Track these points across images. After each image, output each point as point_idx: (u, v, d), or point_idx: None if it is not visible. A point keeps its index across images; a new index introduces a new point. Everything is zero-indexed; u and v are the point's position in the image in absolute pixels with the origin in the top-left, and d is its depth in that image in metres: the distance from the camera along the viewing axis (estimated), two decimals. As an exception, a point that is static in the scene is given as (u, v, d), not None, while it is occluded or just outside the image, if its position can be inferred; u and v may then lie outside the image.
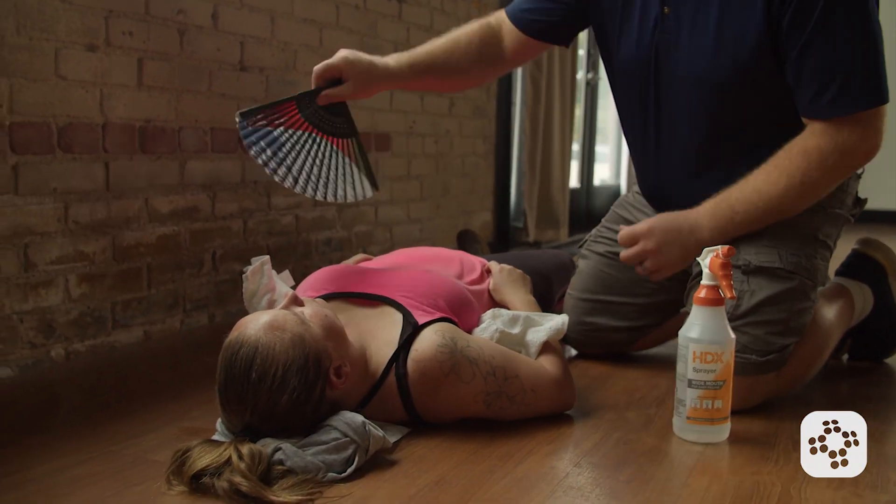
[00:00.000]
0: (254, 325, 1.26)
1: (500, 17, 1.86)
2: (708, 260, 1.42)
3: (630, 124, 1.80)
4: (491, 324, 1.56)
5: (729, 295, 1.38)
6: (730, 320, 1.51)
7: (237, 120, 1.59)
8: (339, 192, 1.65)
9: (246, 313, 1.48)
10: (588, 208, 4.93)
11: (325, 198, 1.64)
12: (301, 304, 1.35)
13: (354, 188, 1.67)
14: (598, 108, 5.11)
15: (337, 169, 1.65)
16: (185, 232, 2.13)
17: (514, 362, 1.46)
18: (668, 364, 1.92)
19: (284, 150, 1.60)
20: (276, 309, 1.32)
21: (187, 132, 2.11)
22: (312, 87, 1.66)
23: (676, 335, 1.95)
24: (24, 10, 1.70)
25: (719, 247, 1.40)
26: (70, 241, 1.83)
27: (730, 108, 1.62)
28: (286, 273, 1.76)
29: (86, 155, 1.85)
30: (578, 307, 1.94)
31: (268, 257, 1.64)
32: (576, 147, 4.88)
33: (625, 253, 1.66)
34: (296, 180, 1.60)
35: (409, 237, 3.11)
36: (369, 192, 1.70)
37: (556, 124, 4.13)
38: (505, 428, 1.44)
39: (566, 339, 1.96)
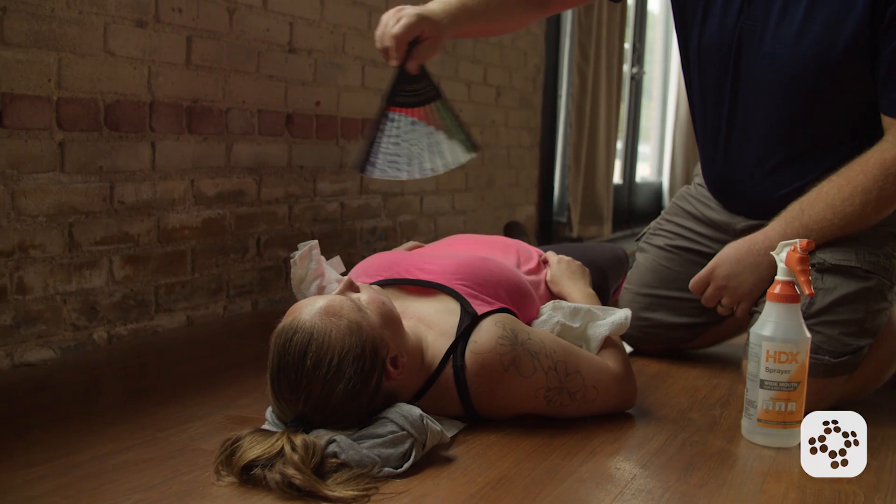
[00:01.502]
0: (309, 310, 1.20)
1: None
2: (784, 254, 1.34)
3: (702, 112, 1.72)
4: (552, 316, 1.49)
5: (807, 291, 1.30)
6: (802, 319, 1.45)
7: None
8: (427, 165, 1.55)
9: (292, 300, 1.42)
10: (630, 205, 4.84)
11: (415, 175, 1.54)
12: (357, 289, 1.29)
13: (444, 157, 1.57)
14: (643, 105, 5.01)
15: (420, 142, 1.56)
16: (231, 216, 2.08)
17: (575, 357, 1.39)
18: (728, 363, 1.85)
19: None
20: (331, 294, 1.26)
21: (235, 113, 2.06)
22: (393, 55, 1.49)
23: (736, 334, 1.91)
24: (74, -18, 1.66)
25: (797, 240, 1.32)
26: (115, 222, 1.79)
27: (811, 104, 1.54)
28: (336, 259, 1.71)
29: (132, 133, 1.81)
30: (636, 302, 1.87)
31: (316, 242, 1.58)
32: (619, 145, 4.79)
33: (703, 299, 1.63)
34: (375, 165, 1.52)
35: (454, 228, 3.04)
36: (463, 158, 1.57)
37: (602, 118, 4.04)
38: (564, 426, 1.37)
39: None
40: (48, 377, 1.60)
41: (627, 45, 4.72)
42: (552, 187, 3.87)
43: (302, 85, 2.26)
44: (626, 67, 4.65)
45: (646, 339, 1.88)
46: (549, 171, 3.82)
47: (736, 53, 1.58)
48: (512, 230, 2.68)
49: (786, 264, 1.34)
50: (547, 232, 3.81)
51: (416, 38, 1.47)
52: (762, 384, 1.33)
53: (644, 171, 5.56)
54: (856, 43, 1.44)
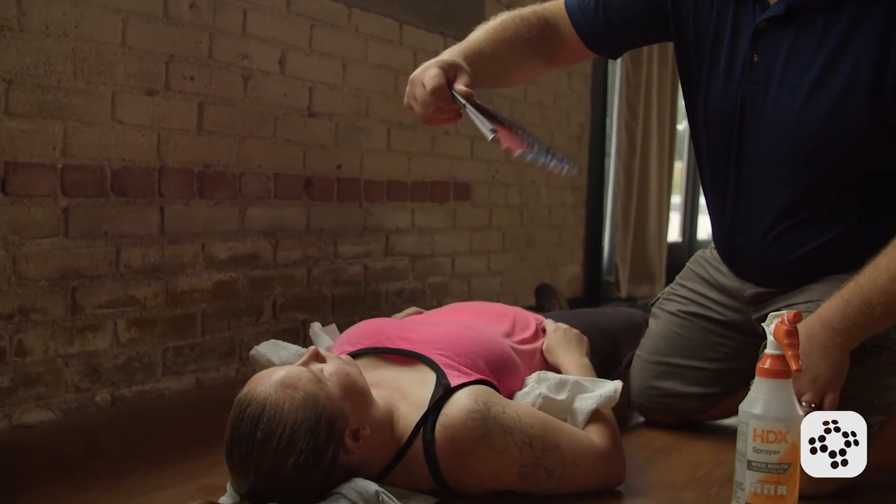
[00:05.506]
0: (265, 381, 1.18)
1: (556, 15, 1.64)
2: (773, 326, 1.27)
3: (708, 177, 1.67)
4: (534, 388, 1.44)
5: (794, 367, 1.23)
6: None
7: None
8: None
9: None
10: (690, 264, 4.73)
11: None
12: (323, 360, 1.27)
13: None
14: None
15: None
16: (244, 279, 2.09)
17: (554, 432, 1.34)
18: (742, 438, 1.75)
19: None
20: (293, 365, 1.24)
21: (249, 178, 2.08)
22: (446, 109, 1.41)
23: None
24: (81, 54, 1.71)
25: (784, 312, 1.25)
26: (120, 285, 1.81)
27: (818, 170, 1.47)
28: (332, 327, 1.71)
29: (140, 199, 1.84)
30: (646, 370, 1.80)
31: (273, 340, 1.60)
32: (678, 200, 4.70)
33: None
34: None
35: (489, 290, 3.01)
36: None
37: (654, 176, 3.97)
38: (542, 503, 1.32)
39: (632, 404, 1.82)
40: (43, 439, 1.62)
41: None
42: (600, 247, 3.80)
43: (322, 148, 2.28)
44: (682, 125, 4.58)
45: (657, 410, 1.80)
46: (596, 231, 3.76)
47: (740, 116, 1.53)
48: (542, 292, 2.63)
49: (773, 337, 1.26)
50: (595, 292, 3.74)
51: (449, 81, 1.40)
52: (749, 465, 1.25)
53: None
54: (864, 113, 1.37)
